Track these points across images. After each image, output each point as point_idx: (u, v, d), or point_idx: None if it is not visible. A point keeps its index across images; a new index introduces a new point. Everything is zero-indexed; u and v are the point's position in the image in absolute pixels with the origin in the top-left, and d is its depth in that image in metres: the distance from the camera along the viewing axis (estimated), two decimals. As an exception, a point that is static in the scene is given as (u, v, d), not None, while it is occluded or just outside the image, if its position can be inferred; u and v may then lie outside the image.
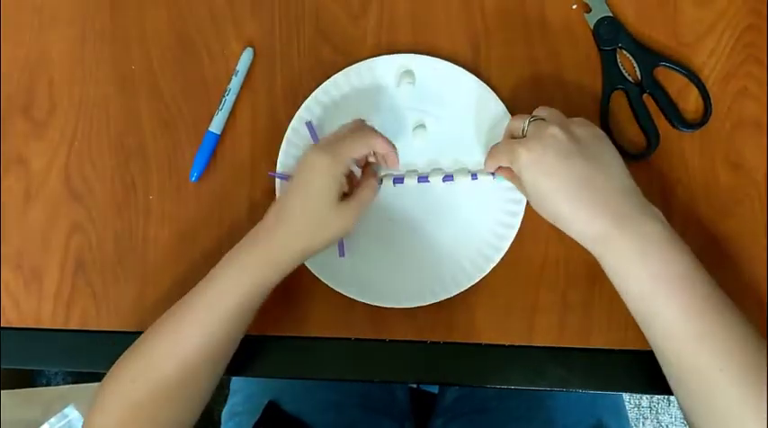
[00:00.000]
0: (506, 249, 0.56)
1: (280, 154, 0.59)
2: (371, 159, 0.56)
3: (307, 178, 0.51)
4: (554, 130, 0.49)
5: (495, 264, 0.56)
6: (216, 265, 0.52)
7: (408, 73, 0.59)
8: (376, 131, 0.53)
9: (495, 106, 0.58)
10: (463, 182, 0.57)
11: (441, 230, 0.58)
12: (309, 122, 0.59)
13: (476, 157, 0.58)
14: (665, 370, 0.49)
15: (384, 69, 0.59)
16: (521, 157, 0.49)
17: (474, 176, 0.57)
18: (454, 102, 0.59)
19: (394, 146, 0.54)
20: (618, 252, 0.47)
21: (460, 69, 0.58)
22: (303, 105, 0.59)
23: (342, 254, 0.57)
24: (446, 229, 0.58)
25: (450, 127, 0.59)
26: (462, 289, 0.56)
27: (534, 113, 0.52)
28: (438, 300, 0.56)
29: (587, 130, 0.50)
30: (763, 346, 0.45)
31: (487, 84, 0.58)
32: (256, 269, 0.51)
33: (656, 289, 0.46)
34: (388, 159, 0.55)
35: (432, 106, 0.59)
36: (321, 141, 0.53)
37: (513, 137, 0.54)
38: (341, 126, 0.54)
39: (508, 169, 0.53)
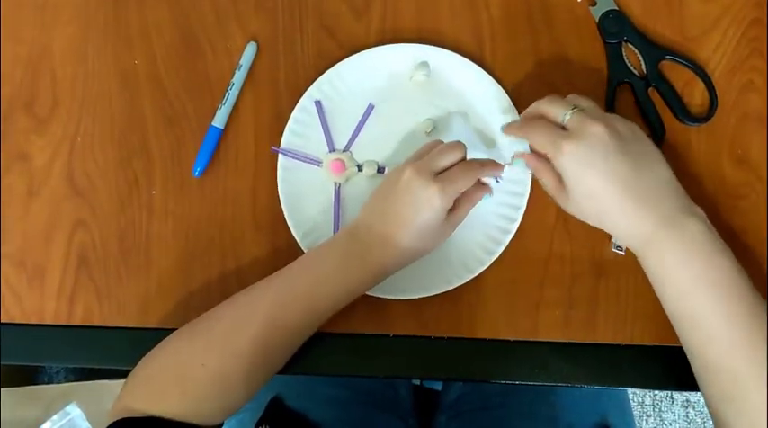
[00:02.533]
0: (508, 242, 0.56)
1: (285, 131, 0.59)
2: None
3: (419, 210, 0.50)
4: (599, 128, 0.48)
5: (497, 256, 0.56)
6: (291, 268, 0.53)
7: (424, 64, 0.58)
8: (481, 165, 0.53)
9: (507, 107, 0.57)
10: None
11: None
12: (318, 101, 0.59)
13: (480, 155, 0.58)
14: (697, 371, 0.49)
15: (400, 58, 0.59)
16: (566, 153, 0.48)
17: None
18: (466, 98, 0.59)
19: (498, 165, 0.54)
20: (662, 253, 0.47)
21: (477, 67, 0.58)
22: (314, 84, 0.59)
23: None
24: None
25: (459, 122, 0.58)
26: (464, 281, 0.56)
27: (570, 100, 0.52)
28: (441, 292, 0.56)
29: (629, 128, 0.50)
30: None
31: (492, 76, 0.58)
32: (361, 273, 0.52)
33: (695, 291, 0.47)
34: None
35: (443, 100, 0.59)
36: (428, 170, 0.51)
37: (547, 120, 0.52)
38: (442, 147, 0.53)
39: (536, 157, 0.53)
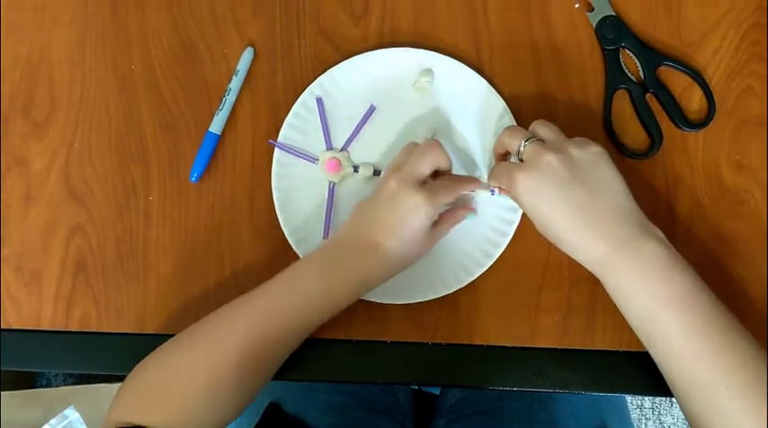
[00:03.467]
0: (505, 246, 0.56)
1: (284, 125, 0.59)
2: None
3: (405, 216, 0.51)
4: (550, 158, 0.48)
5: (494, 260, 0.56)
6: (276, 279, 0.52)
7: (428, 71, 0.58)
8: (462, 180, 0.56)
9: (504, 114, 0.57)
10: None
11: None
12: (320, 98, 0.59)
13: (477, 171, 0.58)
14: (670, 387, 0.49)
15: (404, 62, 0.59)
16: (518, 185, 0.50)
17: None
18: (467, 110, 0.59)
19: (477, 182, 0.57)
20: (618, 274, 0.48)
21: (483, 82, 0.58)
22: (317, 80, 0.59)
23: (326, 237, 0.58)
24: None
25: (458, 133, 0.58)
26: (461, 286, 0.56)
27: (531, 129, 0.52)
28: (438, 296, 0.56)
29: (585, 153, 0.49)
30: (765, 358, 0.46)
31: (489, 82, 0.58)
32: (346, 285, 0.52)
33: (656, 310, 0.47)
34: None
35: (443, 107, 0.59)
36: (414, 180, 0.51)
37: (506, 152, 0.54)
38: (418, 151, 0.53)
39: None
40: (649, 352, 0.49)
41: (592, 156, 0.49)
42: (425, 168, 0.52)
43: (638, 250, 0.47)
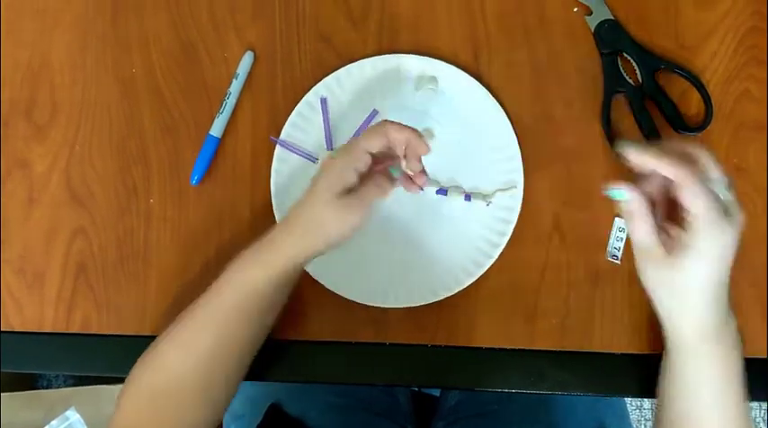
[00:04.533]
0: (503, 247, 0.56)
1: (287, 123, 0.59)
2: (399, 152, 0.52)
3: (314, 179, 0.51)
4: (736, 233, 0.44)
5: (493, 261, 0.56)
6: (221, 279, 0.52)
7: (432, 79, 0.59)
8: (393, 122, 0.50)
9: (507, 134, 0.58)
10: (455, 199, 0.58)
11: (433, 233, 0.58)
12: (324, 99, 0.59)
13: (473, 180, 0.58)
14: None
15: (408, 68, 0.59)
16: (710, 241, 0.44)
17: (467, 198, 0.57)
18: (465, 115, 0.59)
19: (416, 131, 0.50)
20: (697, 358, 0.48)
21: (482, 88, 0.58)
22: (322, 81, 0.59)
23: None
24: (438, 232, 0.58)
25: (456, 142, 0.59)
26: (461, 288, 0.56)
27: (727, 179, 0.46)
28: (437, 299, 0.56)
29: (741, 222, 0.46)
30: None
31: (488, 87, 0.58)
32: (256, 269, 0.51)
33: (720, 390, 0.48)
34: (412, 146, 0.51)
35: (443, 117, 0.59)
36: (340, 147, 0.52)
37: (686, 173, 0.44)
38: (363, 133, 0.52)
39: (647, 208, 0.46)
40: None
41: (739, 227, 0.46)
42: (366, 138, 0.49)
43: (720, 335, 0.48)
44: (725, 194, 0.45)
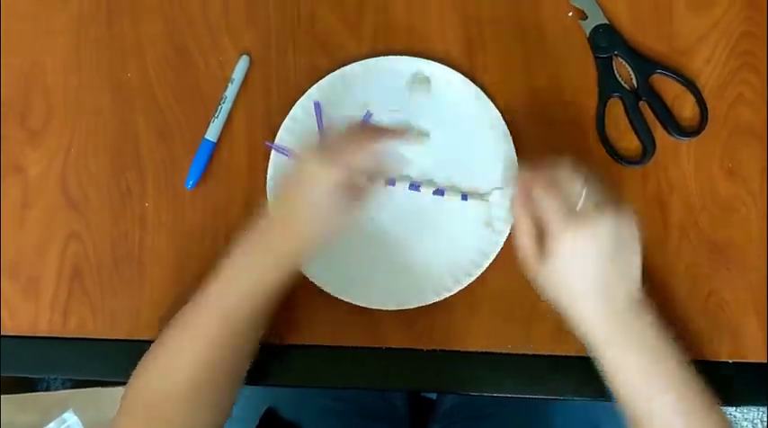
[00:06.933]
0: (500, 248, 0.56)
1: (281, 128, 0.59)
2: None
3: (305, 184, 0.50)
4: (607, 228, 0.46)
5: (490, 261, 0.56)
6: (212, 286, 0.52)
7: (425, 79, 0.59)
8: (377, 133, 0.51)
9: (504, 138, 0.57)
10: (452, 199, 0.58)
11: (430, 234, 0.58)
12: (317, 103, 0.59)
13: (469, 180, 0.58)
14: None
15: (401, 69, 0.59)
16: (565, 242, 0.47)
17: (464, 198, 0.57)
18: (461, 119, 0.59)
19: (393, 132, 0.51)
20: (609, 350, 0.49)
21: (477, 90, 0.58)
22: (315, 85, 0.59)
23: None
24: (436, 233, 0.58)
25: (451, 142, 0.59)
26: (460, 288, 0.56)
27: (587, 178, 0.48)
28: (438, 299, 0.56)
29: (629, 229, 0.48)
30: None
31: (483, 90, 0.58)
32: (244, 282, 0.51)
33: (641, 390, 0.48)
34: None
35: (438, 118, 0.59)
36: (320, 149, 0.51)
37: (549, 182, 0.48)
38: (342, 131, 0.52)
39: (524, 204, 0.50)
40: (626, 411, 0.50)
41: (630, 226, 0.48)
42: (353, 157, 0.49)
43: (631, 328, 0.48)
44: (579, 199, 0.47)
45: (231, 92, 0.60)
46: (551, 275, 0.49)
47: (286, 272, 0.51)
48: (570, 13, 0.60)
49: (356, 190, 0.51)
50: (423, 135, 0.58)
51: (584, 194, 0.48)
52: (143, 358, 0.52)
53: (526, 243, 0.50)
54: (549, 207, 0.47)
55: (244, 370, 0.54)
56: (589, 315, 0.49)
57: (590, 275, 0.48)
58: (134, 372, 0.52)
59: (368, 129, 0.52)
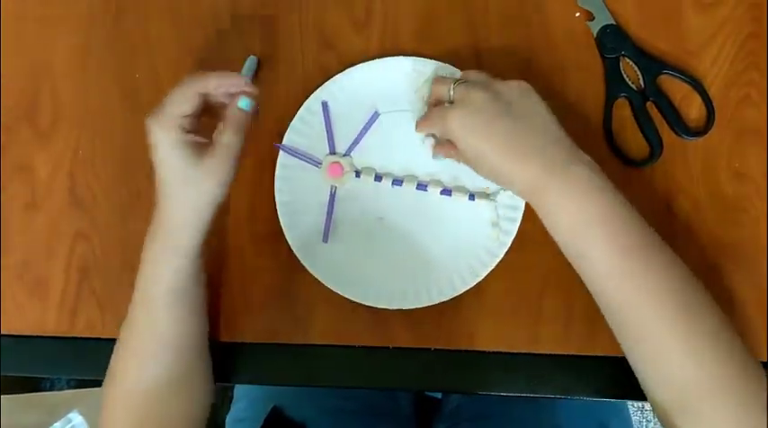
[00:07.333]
0: (507, 248, 0.56)
1: (289, 129, 0.59)
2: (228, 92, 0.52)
3: (154, 153, 0.50)
4: (479, 93, 0.50)
5: (498, 260, 0.56)
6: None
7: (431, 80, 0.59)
8: (204, 74, 0.50)
9: None
10: (460, 199, 0.58)
11: (438, 233, 0.58)
12: (325, 102, 0.59)
13: (476, 180, 0.58)
14: (605, 316, 0.50)
15: (409, 70, 0.59)
16: (451, 123, 0.51)
17: (471, 197, 0.58)
18: None
19: (234, 75, 0.51)
20: (547, 198, 0.49)
21: None
22: (323, 86, 0.59)
23: (325, 240, 0.58)
24: (443, 233, 0.58)
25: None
26: (467, 288, 0.56)
27: (462, 76, 0.54)
28: (445, 299, 0.56)
29: (512, 88, 0.51)
30: (699, 287, 0.47)
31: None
32: (158, 256, 0.52)
33: (584, 229, 0.48)
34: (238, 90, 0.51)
35: None
36: (151, 116, 0.50)
37: (439, 103, 0.55)
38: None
39: (447, 145, 0.55)
40: (580, 276, 0.50)
41: (519, 90, 0.51)
42: (178, 107, 0.48)
43: (565, 174, 0.48)
44: (450, 94, 0.53)
45: (239, 92, 0.60)
46: (475, 166, 0.52)
47: (184, 253, 0.51)
48: (577, 14, 0.60)
49: (222, 139, 0.50)
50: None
51: (452, 89, 0.52)
52: (111, 360, 0.54)
53: (455, 157, 0.55)
54: (431, 118, 0.54)
55: (200, 352, 0.55)
56: (521, 176, 0.49)
57: (494, 139, 0.49)
58: (107, 373, 0.54)
59: (192, 76, 0.50)
